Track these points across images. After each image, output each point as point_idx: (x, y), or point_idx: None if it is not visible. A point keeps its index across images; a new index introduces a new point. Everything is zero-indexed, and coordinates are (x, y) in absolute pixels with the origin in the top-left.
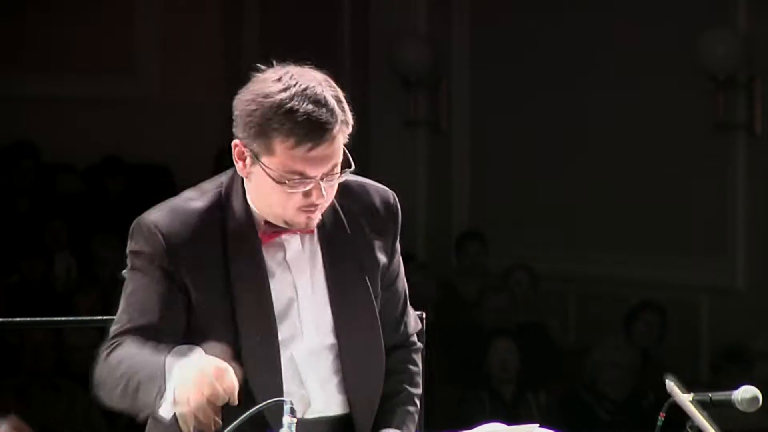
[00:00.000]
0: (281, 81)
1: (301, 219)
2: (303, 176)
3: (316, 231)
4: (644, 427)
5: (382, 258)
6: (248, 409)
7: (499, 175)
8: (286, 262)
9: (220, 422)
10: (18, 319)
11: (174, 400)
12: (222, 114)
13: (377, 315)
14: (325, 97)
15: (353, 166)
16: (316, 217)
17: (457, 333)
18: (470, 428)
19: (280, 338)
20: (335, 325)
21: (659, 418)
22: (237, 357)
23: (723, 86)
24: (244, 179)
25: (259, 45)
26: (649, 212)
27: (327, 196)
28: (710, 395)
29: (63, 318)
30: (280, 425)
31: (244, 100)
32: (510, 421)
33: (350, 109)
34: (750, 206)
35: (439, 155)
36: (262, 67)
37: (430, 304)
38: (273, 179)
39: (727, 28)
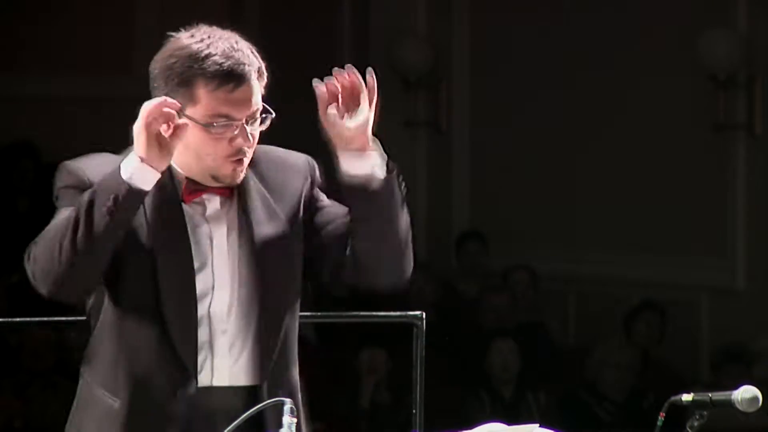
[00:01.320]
0: (194, 36)
1: (228, 170)
2: (228, 119)
3: (235, 193)
4: (644, 427)
5: (301, 212)
6: (163, 357)
7: (499, 175)
8: (205, 218)
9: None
10: (18, 319)
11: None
12: None
13: (296, 276)
14: (238, 44)
15: (273, 113)
16: (243, 167)
17: (457, 333)
18: (470, 428)
19: (197, 292)
20: (251, 283)
21: (659, 418)
22: (156, 306)
23: (723, 86)
24: None
25: (259, 45)
26: (649, 212)
27: (252, 141)
28: (710, 395)
29: (63, 318)
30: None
31: (160, 59)
32: (510, 421)
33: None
34: (750, 206)
35: (439, 155)
36: (173, 33)
37: (430, 304)
38: (201, 126)
39: (727, 28)
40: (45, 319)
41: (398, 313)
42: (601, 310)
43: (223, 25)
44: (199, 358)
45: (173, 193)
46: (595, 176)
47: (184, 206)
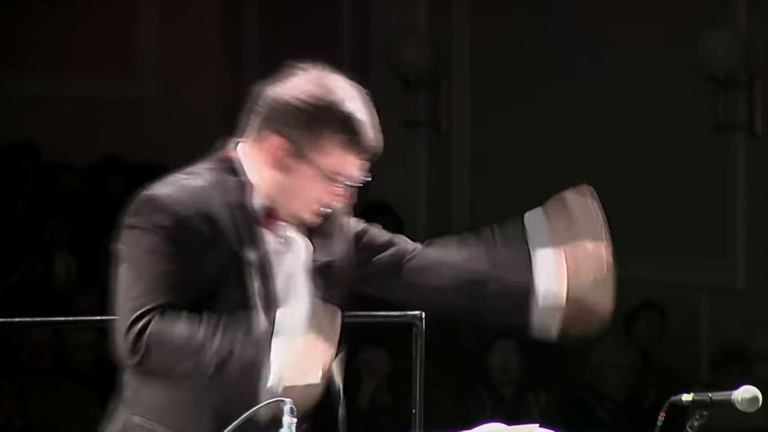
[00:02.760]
0: (335, 87)
1: (314, 216)
2: (347, 179)
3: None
4: (644, 427)
5: (351, 242)
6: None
7: (499, 175)
8: (285, 239)
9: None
10: (18, 319)
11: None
12: (222, 114)
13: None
14: (370, 110)
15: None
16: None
17: (458, 333)
18: (470, 428)
19: (280, 312)
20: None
21: (659, 418)
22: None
23: (723, 86)
24: (261, 170)
25: (259, 45)
26: (649, 212)
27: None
28: (710, 395)
29: (63, 318)
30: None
31: (297, 97)
32: (510, 421)
33: None
34: (750, 206)
35: (439, 155)
36: (299, 65)
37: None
38: (324, 176)
39: (727, 28)
40: (45, 319)
41: (398, 313)
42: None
43: (223, 25)
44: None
45: (253, 218)
46: (595, 176)
47: (261, 232)
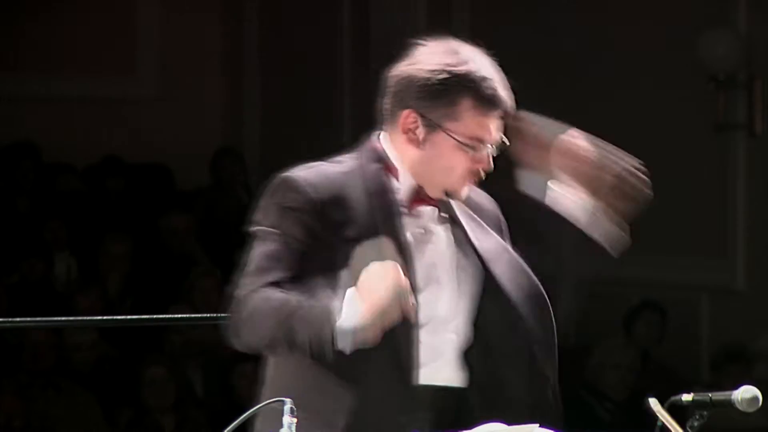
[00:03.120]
0: (459, 54)
1: (462, 185)
2: (482, 141)
3: (441, 207)
4: (644, 427)
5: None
6: (388, 374)
7: (499, 173)
8: (424, 228)
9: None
10: (18, 319)
11: (359, 301)
12: (222, 114)
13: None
14: (503, 76)
15: (508, 142)
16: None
17: None
18: (470, 428)
19: (424, 298)
20: (475, 294)
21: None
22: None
23: (723, 86)
24: (405, 149)
25: (259, 45)
26: (648, 212)
27: (491, 165)
28: (710, 395)
29: (63, 318)
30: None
31: (424, 70)
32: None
33: None
34: (750, 206)
35: None
36: (420, 42)
37: None
38: (459, 143)
39: (727, 28)
40: (45, 319)
41: None
42: (601, 310)
43: (223, 25)
44: (435, 363)
45: (394, 203)
46: None
47: (404, 213)
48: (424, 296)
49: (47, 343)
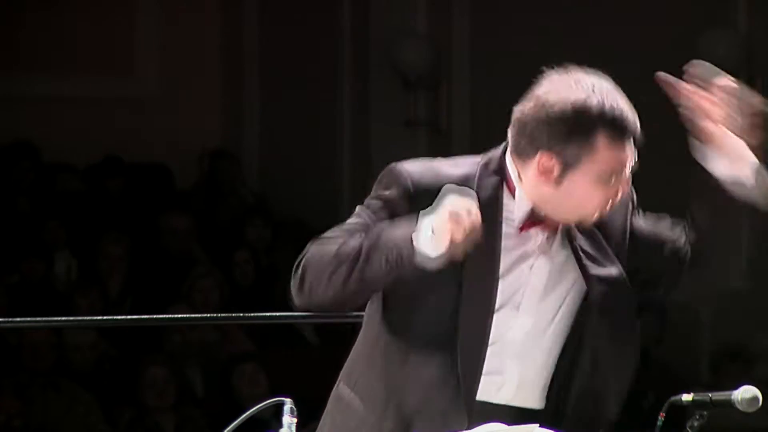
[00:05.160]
0: (581, 86)
1: (597, 214)
2: (620, 173)
3: (560, 228)
4: (644, 427)
5: (627, 238)
6: (444, 393)
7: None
8: (529, 251)
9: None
10: (18, 319)
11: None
12: (222, 114)
13: (632, 312)
14: (624, 97)
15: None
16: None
17: None
18: (470, 428)
19: (497, 317)
20: (570, 318)
21: (659, 418)
22: (453, 318)
23: None
24: (539, 187)
25: (259, 45)
26: (649, 212)
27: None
28: (710, 395)
29: (63, 318)
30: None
31: (554, 110)
32: None
33: None
34: (750, 206)
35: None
36: (544, 73)
37: None
38: (598, 177)
39: (727, 28)
40: (45, 319)
41: None
42: None
43: (223, 26)
44: (494, 381)
45: (496, 214)
46: None
47: (507, 232)
48: (498, 316)
49: (47, 343)
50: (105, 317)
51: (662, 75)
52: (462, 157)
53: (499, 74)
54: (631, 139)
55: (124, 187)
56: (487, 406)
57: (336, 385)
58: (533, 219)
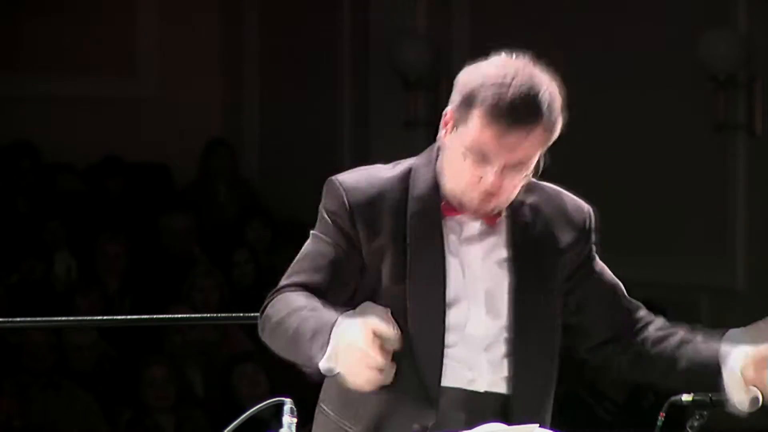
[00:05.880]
0: (506, 65)
1: (473, 201)
2: (484, 157)
3: (501, 220)
4: (644, 427)
5: (571, 261)
6: (408, 390)
7: None
8: (460, 241)
9: (391, 370)
10: (18, 319)
11: (331, 356)
12: (222, 114)
13: (558, 317)
14: (538, 94)
15: (537, 171)
16: (493, 204)
17: None
18: (470, 428)
19: (451, 310)
20: (511, 316)
21: (659, 418)
22: (404, 319)
23: (723, 86)
24: (441, 150)
25: (259, 45)
26: (649, 212)
27: (503, 189)
28: (710, 395)
29: (63, 318)
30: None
31: (464, 72)
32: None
33: (560, 122)
34: (750, 206)
35: None
36: (501, 53)
37: None
38: (468, 148)
39: (727, 28)
40: (45, 319)
41: None
42: None
43: (223, 26)
44: (465, 375)
45: (433, 209)
46: (595, 176)
47: (443, 225)
48: (454, 311)
49: (47, 343)
50: (105, 317)
51: None
52: (407, 159)
53: None
54: (515, 133)
55: (124, 187)
56: (460, 393)
57: (318, 405)
58: (451, 203)
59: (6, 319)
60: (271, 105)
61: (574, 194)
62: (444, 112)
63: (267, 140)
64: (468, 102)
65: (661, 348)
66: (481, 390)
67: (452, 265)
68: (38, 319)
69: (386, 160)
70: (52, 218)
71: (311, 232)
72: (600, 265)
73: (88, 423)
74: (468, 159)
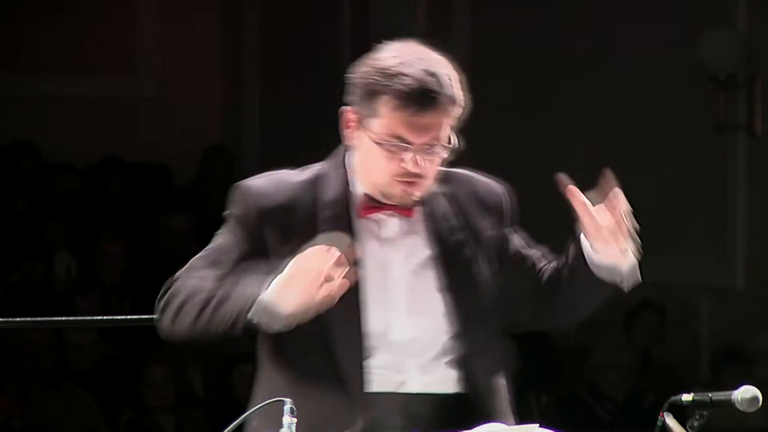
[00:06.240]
0: (394, 50)
1: (396, 190)
2: (401, 140)
3: (419, 214)
4: (644, 427)
5: (494, 243)
6: (334, 393)
7: (499, 175)
8: (379, 240)
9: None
10: (18, 319)
11: (280, 285)
12: (222, 114)
13: (487, 301)
14: (438, 71)
15: (458, 145)
16: (414, 192)
17: None
18: (470, 428)
19: (370, 315)
20: (444, 315)
21: (659, 418)
22: (321, 326)
23: (723, 86)
24: (350, 150)
25: (259, 45)
26: (648, 212)
27: (425, 170)
28: (710, 395)
29: (63, 318)
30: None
31: (359, 65)
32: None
33: (463, 96)
34: (750, 206)
35: None
36: (384, 42)
37: None
38: (374, 142)
39: (727, 28)
40: (45, 319)
41: None
42: (601, 310)
43: (223, 26)
44: (395, 379)
45: (345, 211)
46: (595, 176)
47: (359, 223)
48: (373, 317)
49: (47, 343)
50: (105, 317)
51: (570, 188)
52: (314, 164)
53: (498, 75)
54: (426, 113)
55: (124, 187)
56: (392, 397)
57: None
58: (373, 204)
59: (6, 319)
60: (271, 105)
61: (487, 176)
62: (339, 113)
63: (267, 141)
64: (371, 94)
65: (552, 280)
66: (414, 391)
67: (370, 269)
68: (38, 319)
69: None
70: (52, 218)
71: (215, 233)
72: (519, 240)
73: (88, 423)
74: (385, 149)
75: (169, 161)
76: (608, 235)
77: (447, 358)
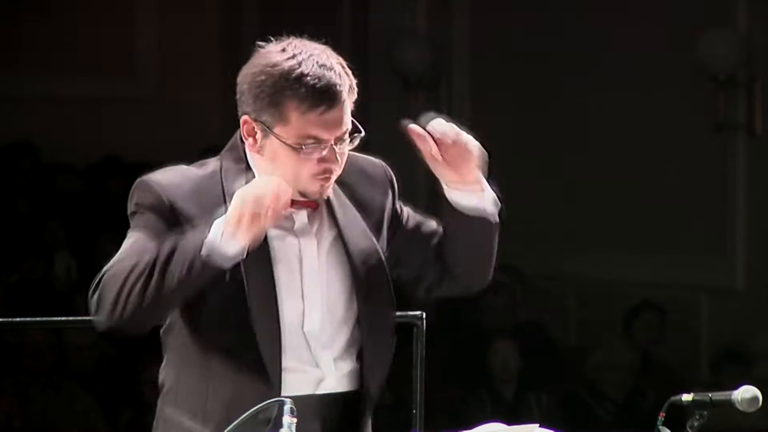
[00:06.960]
0: (285, 51)
1: (315, 187)
2: (317, 140)
3: (323, 206)
4: (644, 427)
5: (383, 213)
6: (255, 383)
7: (499, 175)
8: (294, 233)
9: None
10: (18, 319)
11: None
12: (222, 114)
13: (390, 284)
14: (331, 63)
15: (363, 132)
16: (331, 184)
17: (457, 333)
18: (470, 428)
19: (284, 309)
20: (352, 298)
21: (659, 418)
22: (247, 332)
23: (723, 86)
24: (253, 155)
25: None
26: (648, 212)
27: (340, 161)
28: (710, 395)
29: (63, 318)
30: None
31: (250, 74)
32: (510, 421)
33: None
34: (750, 206)
35: None
36: (261, 43)
37: (430, 304)
38: (289, 146)
39: (727, 28)
40: (45, 319)
41: (399, 313)
42: (601, 310)
43: (223, 26)
44: (312, 376)
45: None
46: (595, 176)
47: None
48: (288, 307)
49: (47, 343)
50: None
51: (411, 127)
52: (200, 161)
53: (499, 74)
54: (334, 108)
55: (124, 187)
56: (312, 399)
57: (160, 410)
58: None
59: (6, 319)
60: None
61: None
62: (242, 121)
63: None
64: (276, 103)
65: (440, 242)
66: (330, 391)
67: (283, 262)
68: (38, 319)
69: (386, 159)
70: (52, 218)
71: (128, 232)
72: (406, 210)
73: (88, 423)
74: (302, 151)
75: (169, 161)
76: (452, 160)
77: (354, 349)
